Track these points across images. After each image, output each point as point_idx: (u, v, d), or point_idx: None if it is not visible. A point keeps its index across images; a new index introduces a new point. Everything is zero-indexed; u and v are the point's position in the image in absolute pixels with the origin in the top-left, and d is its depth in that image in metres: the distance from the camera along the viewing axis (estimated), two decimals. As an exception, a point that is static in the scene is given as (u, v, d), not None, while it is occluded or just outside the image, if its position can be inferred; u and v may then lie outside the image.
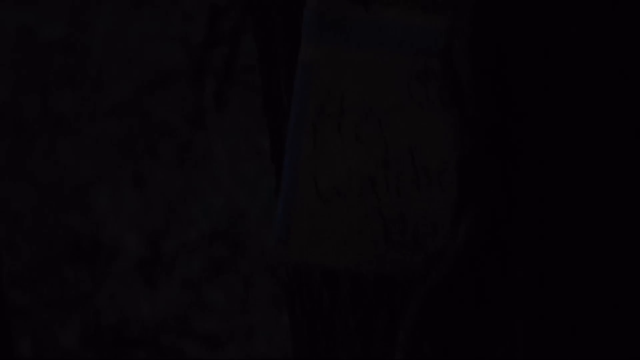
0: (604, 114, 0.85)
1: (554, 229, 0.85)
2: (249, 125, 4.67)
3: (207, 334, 4.48)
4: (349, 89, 0.87)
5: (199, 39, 4.42)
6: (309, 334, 1.02)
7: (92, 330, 4.69)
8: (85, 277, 4.49)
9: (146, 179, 4.57)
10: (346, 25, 0.86)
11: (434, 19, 0.86)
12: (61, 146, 4.48)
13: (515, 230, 0.87)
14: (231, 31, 4.25)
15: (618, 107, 0.85)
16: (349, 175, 0.87)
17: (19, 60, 4.70)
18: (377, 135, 0.88)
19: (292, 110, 0.87)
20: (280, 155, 0.95)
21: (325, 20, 0.86)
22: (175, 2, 4.57)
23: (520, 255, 0.86)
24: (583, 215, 0.84)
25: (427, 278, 0.87)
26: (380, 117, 0.87)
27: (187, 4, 4.58)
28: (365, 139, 0.87)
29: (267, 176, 4.25)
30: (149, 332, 4.43)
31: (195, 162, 4.58)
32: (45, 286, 4.66)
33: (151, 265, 4.46)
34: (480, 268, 0.87)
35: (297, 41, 0.90)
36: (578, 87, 0.84)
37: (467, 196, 0.86)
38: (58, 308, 4.61)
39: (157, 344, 4.38)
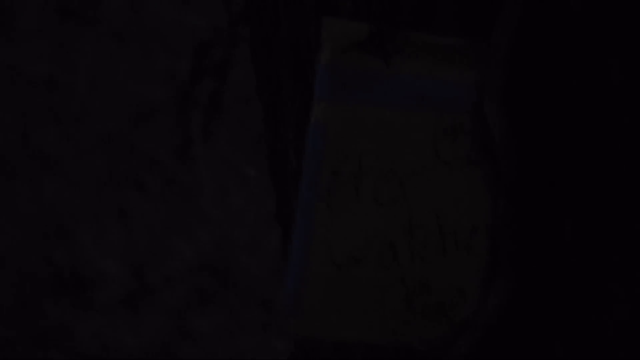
0: None
1: (601, 303, 0.81)
2: (235, 156, 4.69)
3: (192, 363, 4.40)
4: (367, 149, 0.81)
5: (184, 74, 4.44)
6: None
7: None
8: (67, 310, 4.49)
9: (131, 211, 4.57)
10: (364, 81, 0.81)
11: (462, 72, 0.80)
12: (45, 182, 4.46)
13: (552, 300, 0.83)
14: (217, 65, 4.27)
15: None
16: (368, 241, 0.81)
17: (0, 98, 4.74)
18: (399, 197, 0.82)
19: (304, 172, 0.81)
20: (286, 217, 0.91)
21: (340, 76, 0.81)
22: (160, 37, 4.58)
23: (559, 329, 0.83)
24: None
25: (452, 351, 0.84)
26: (402, 178, 0.82)
27: (172, 40, 4.59)
28: (386, 202, 0.82)
29: (254, 205, 4.13)
30: (134, 363, 4.41)
31: (181, 194, 4.58)
32: (27, 320, 4.63)
33: (135, 296, 4.43)
34: (511, 342, 0.85)
35: (308, 97, 0.85)
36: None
37: (499, 262, 0.82)
38: (40, 341, 4.58)
39: (142, 375, 4.34)
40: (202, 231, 4.92)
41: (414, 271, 0.81)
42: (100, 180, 4.80)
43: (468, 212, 0.82)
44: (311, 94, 0.83)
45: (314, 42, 0.83)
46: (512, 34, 0.77)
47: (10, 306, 4.95)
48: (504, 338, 0.83)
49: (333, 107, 0.80)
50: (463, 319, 0.82)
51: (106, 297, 4.56)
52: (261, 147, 0.99)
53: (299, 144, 0.88)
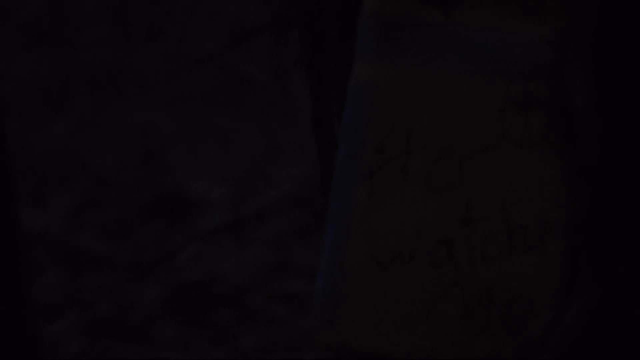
0: None
1: None
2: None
3: (293, 294, 4.31)
4: (420, 121, 0.72)
5: (282, -5, 4.31)
6: None
7: (175, 289, 4.63)
8: (168, 235, 4.55)
9: (229, 135, 4.58)
10: (417, 36, 0.71)
11: (539, 27, 0.70)
12: (141, 102, 4.53)
13: None
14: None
15: None
16: (417, 235, 0.72)
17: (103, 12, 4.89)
18: (456, 183, 0.72)
19: (342, 147, 0.74)
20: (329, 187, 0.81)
21: (388, 29, 0.71)
22: (258, -42, 4.56)
23: None
24: None
25: None
26: (461, 160, 0.72)
27: (270, -40, 4.53)
28: (441, 188, 0.72)
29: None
30: (233, 292, 4.42)
31: (280, 120, 4.59)
32: (128, 242, 4.66)
33: (236, 224, 4.45)
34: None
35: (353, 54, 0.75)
36: None
37: (579, 267, 0.72)
38: (141, 265, 4.61)
39: (241, 303, 4.38)
40: (299, 164, 4.91)
41: (473, 274, 0.72)
42: (198, 101, 4.87)
43: (541, 204, 0.72)
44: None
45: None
46: None
47: (112, 229, 4.99)
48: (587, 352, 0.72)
49: (379, 67, 0.72)
50: (534, 336, 0.72)
51: (207, 223, 4.58)
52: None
53: (342, 111, 0.80)
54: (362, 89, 0.72)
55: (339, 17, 0.84)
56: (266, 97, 4.98)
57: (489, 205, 0.72)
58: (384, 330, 0.73)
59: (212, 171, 4.94)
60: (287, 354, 4.44)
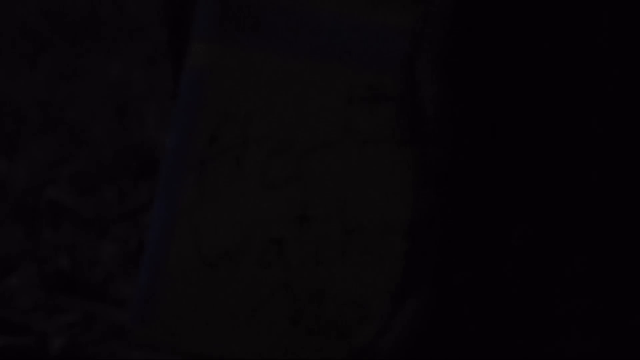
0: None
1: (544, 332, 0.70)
2: None
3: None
4: (259, 110, 0.70)
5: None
6: None
7: (136, 246, 4.62)
8: (135, 192, 4.52)
9: None
10: (263, 18, 0.69)
11: (395, 16, 0.69)
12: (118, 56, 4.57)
13: (483, 325, 0.72)
14: None
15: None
16: (248, 233, 0.70)
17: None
18: (293, 179, 0.71)
19: (173, 133, 0.71)
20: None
21: (232, 8, 0.70)
22: None
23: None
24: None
25: None
26: (300, 154, 0.71)
27: None
28: (276, 184, 0.70)
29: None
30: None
31: None
32: (94, 198, 4.62)
33: None
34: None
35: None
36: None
37: (417, 273, 0.71)
38: (105, 220, 4.56)
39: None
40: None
41: (304, 276, 0.71)
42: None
43: (383, 205, 0.71)
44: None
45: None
46: None
47: (80, 183, 4.92)
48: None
49: (218, 49, 0.70)
50: (364, 342, 0.70)
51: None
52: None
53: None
54: (198, 71, 0.69)
55: None
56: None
57: (327, 204, 0.70)
58: (208, 330, 0.71)
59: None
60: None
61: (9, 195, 4.56)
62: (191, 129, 0.69)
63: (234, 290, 0.70)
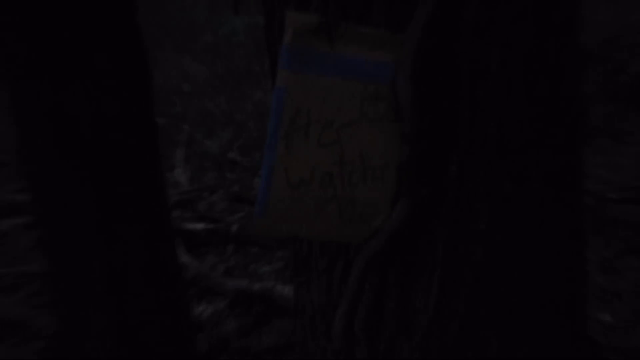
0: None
1: (469, 220, 0.66)
2: None
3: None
4: (315, 106, 0.65)
5: None
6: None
7: None
8: None
9: None
10: (314, 57, 0.64)
11: (383, 55, 0.65)
12: None
13: (438, 218, 0.67)
14: None
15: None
16: (313, 170, 0.66)
17: None
18: (335, 142, 0.66)
19: (271, 120, 0.65)
20: None
21: (297, 53, 0.63)
22: None
23: (441, 235, 0.67)
24: (489, 212, 0.66)
25: (370, 245, 0.69)
26: (338, 129, 0.66)
27: None
28: (326, 145, 0.66)
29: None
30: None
31: None
32: (254, 155, 4.56)
33: None
34: (409, 241, 0.69)
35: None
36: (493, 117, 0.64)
37: (403, 189, 0.67)
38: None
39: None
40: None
41: (344, 192, 0.67)
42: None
43: (382, 154, 0.67)
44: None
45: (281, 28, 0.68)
46: (420, 33, 0.62)
47: (247, 152, 4.86)
48: (405, 236, 0.68)
49: (291, 75, 0.64)
50: (378, 224, 0.68)
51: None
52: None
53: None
54: (282, 89, 0.65)
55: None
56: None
57: (353, 154, 0.67)
58: (294, 222, 0.68)
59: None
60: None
61: (209, 157, 4.56)
62: (280, 117, 0.66)
63: (308, 200, 0.68)
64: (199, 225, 3.75)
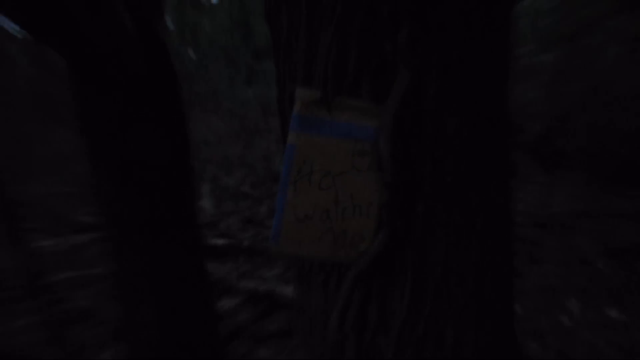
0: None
1: (431, 245, 0.63)
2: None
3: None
4: (316, 159, 0.63)
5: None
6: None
7: None
8: (275, 188, 4.17)
9: None
10: (316, 122, 0.62)
11: (369, 121, 0.62)
12: None
13: (409, 244, 0.63)
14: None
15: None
16: (314, 208, 0.64)
17: None
18: (331, 186, 0.63)
19: (283, 169, 0.63)
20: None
21: (304, 119, 0.62)
22: None
23: (410, 257, 0.63)
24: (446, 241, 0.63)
25: (358, 264, 0.65)
26: (334, 176, 0.63)
27: None
28: (324, 188, 0.63)
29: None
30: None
31: None
32: (261, 189, 4.43)
33: None
34: (387, 262, 0.65)
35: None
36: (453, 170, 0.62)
37: (382, 222, 0.63)
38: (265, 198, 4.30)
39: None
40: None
41: (338, 224, 0.64)
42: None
43: (367, 195, 0.64)
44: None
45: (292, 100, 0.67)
46: (395, 106, 0.59)
47: (257, 185, 4.67)
48: (385, 258, 0.65)
49: (299, 135, 0.62)
50: (364, 248, 0.64)
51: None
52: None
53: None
54: (292, 146, 0.63)
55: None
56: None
57: (345, 196, 0.65)
58: (300, 247, 0.65)
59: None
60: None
61: (228, 190, 4.39)
62: (290, 167, 0.64)
63: (310, 230, 0.65)
64: (220, 241, 3.72)
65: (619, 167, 4.95)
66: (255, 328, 2.57)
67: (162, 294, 1.40)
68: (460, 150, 0.67)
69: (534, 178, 5.58)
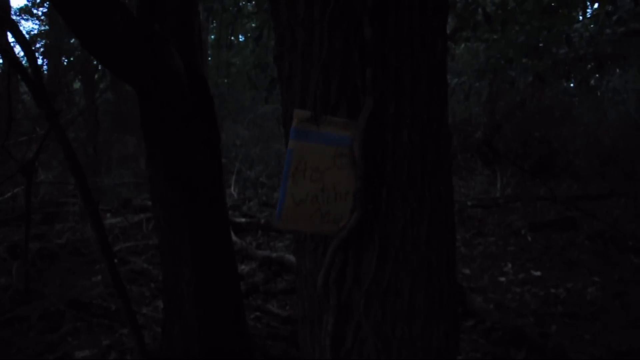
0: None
1: (393, 222, 0.62)
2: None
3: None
4: (308, 159, 0.63)
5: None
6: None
7: None
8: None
9: None
10: (308, 133, 0.62)
11: (346, 132, 0.62)
12: None
13: (376, 221, 0.63)
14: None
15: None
16: (307, 194, 0.63)
17: None
18: (319, 179, 0.63)
19: (285, 167, 0.63)
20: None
21: (299, 131, 0.62)
22: None
23: (377, 231, 0.62)
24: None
25: (339, 236, 0.64)
26: (322, 172, 0.63)
27: None
28: (314, 180, 0.63)
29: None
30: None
31: None
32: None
33: None
34: (360, 234, 0.64)
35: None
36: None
37: (356, 205, 0.62)
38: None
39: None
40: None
41: (324, 207, 0.63)
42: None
43: (346, 185, 0.64)
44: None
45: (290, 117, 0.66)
46: (365, 122, 0.60)
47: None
48: (359, 231, 0.63)
49: (297, 142, 0.62)
50: (343, 225, 0.63)
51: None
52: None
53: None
54: (291, 150, 0.63)
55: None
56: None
57: (330, 185, 0.64)
58: (297, 223, 0.64)
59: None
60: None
61: (249, 180, 4.23)
62: (289, 165, 0.63)
63: (305, 211, 0.64)
64: (242, 219, 3.66)
65: (537, 162, 5.08)
66: (268, 286, 2.53)
67: (199, 259, 1.39)
68: (412, 152, 0.67)
69: (478, 171, 5.60)
